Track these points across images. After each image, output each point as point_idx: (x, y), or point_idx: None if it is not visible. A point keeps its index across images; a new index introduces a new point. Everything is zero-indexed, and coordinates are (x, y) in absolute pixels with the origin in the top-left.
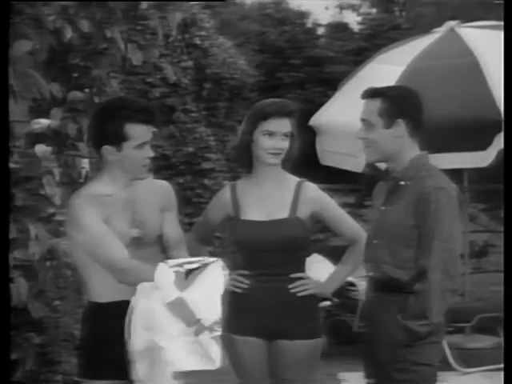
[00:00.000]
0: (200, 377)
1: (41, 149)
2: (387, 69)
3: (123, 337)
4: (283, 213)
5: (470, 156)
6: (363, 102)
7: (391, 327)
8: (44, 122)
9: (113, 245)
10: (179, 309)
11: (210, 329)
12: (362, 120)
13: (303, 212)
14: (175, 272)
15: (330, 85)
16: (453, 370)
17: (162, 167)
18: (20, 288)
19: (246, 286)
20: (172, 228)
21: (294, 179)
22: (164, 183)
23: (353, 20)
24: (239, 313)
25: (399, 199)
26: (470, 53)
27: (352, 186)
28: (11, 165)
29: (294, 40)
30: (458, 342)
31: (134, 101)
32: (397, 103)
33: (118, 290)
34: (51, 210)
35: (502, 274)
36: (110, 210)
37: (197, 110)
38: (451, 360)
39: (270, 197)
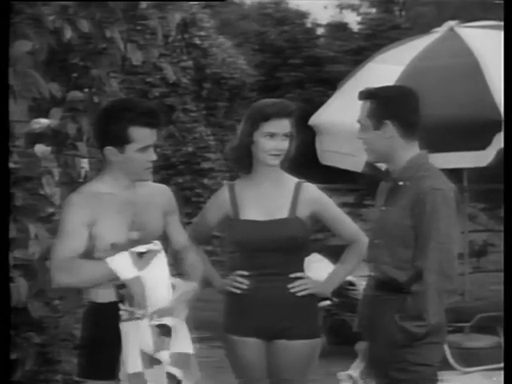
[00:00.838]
0: None
1: (40, 149)
2: (387, 68)
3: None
4: (282, 213)
5: (469, 155)
6: (362, 103)
7: (389, 327)
8: (44, 121)
9: (67, 242)
10: (136, 287)
11: (151, 317)
12: (358, 121)
13: (302, 212)
14: (129, 253)
15: (330, 84)
16: (452, 369)
17: (162, 167)
18: (20, 288)
19: (245, 287)
20: (178, 231)
21: (292, 179)
22: (164, 187)
23: (352, 20)
24: (238, 313)
25: (398, 200)
26: (470, 53)
27: (351, 185)
28: (11, 164)
29: (293, 40)
30: (457, 341)
31: (139, 103)
32: (383, 104)
33: None
34: (51, 210)
35: (501, 274)
36: (107, 209)
37: (196, 110)
38: (451, 359)
39: (269, 197)
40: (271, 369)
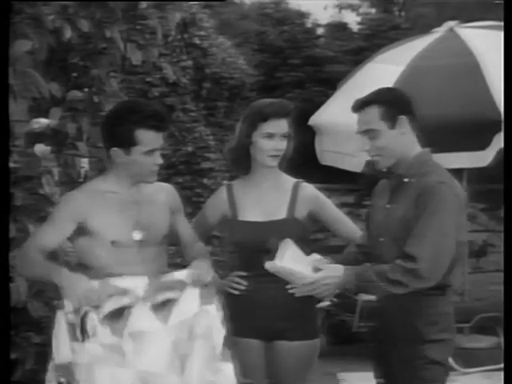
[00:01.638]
0: None
1: (40, 148)
2: (386, 69)
3: None
4: (281, 213)
5: (469, 156)
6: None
7: (400, 325)
8: (43, 121)
9: (46, 233)
10: None
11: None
12: (364, 132)
13: (301, 212)
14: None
15: (330, 84)
16: (452, 369)
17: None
18: (20, 287)
19: (243, 288)
20: (186, 228)
21: (290, 180)
22: (169, 186)
23: (352, 20)
24: (237, 314)
25: (403, 196)
26: (470, 53)
27: (351, 185)
28: (11, 164)
29: (293, 40)
30: (457, 341)
31: (146, 106)
32: (394, 102)
33: None
34: (51, 210)
35: (501, 274)
36: (108, 207)
37: (196, 110)
38: (451, 360)
39: (268, 197)
40: (270, 370)
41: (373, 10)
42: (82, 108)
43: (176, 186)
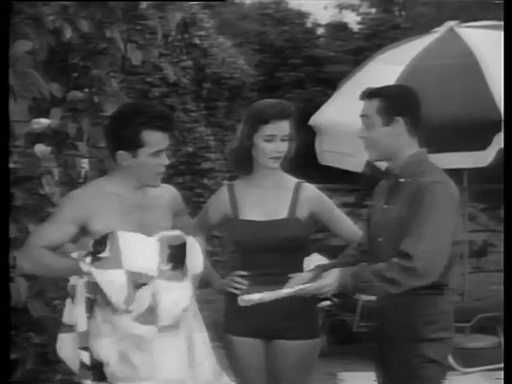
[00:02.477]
0: None
1: (40, 148)
2: (386, 68)
3: None
4: (282, 213)
5: (469, 156)
6: (362, 102)
7: (399, 324)
8: (44, 121)
9: (48, 232)
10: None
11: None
12: (362, 116)
13: (302, 212)
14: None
15: (330, 84)
16: (452, 369)
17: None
18: (20, 288)
19: (244, 287)
20: (189, 231)
21: (292, 180)
22: (171, 187)
23: (352, 20)
24: (237, 313)
25: (399, 196)
26: (470, 53)
27: (351, 185)
28: (11, 164)
29: (293, 40)
30: (457, 341)
31: (151, 107)
32: (394, 102)
33: None
34: (51, 210)
35: (501, 274)
36: (110, 208)
37: (196, 110)
38: (451, 360)
39: (269, 197)
40: (270, 369)
41: (373, 10)
42: (82, 108)
43: (176, 186)
